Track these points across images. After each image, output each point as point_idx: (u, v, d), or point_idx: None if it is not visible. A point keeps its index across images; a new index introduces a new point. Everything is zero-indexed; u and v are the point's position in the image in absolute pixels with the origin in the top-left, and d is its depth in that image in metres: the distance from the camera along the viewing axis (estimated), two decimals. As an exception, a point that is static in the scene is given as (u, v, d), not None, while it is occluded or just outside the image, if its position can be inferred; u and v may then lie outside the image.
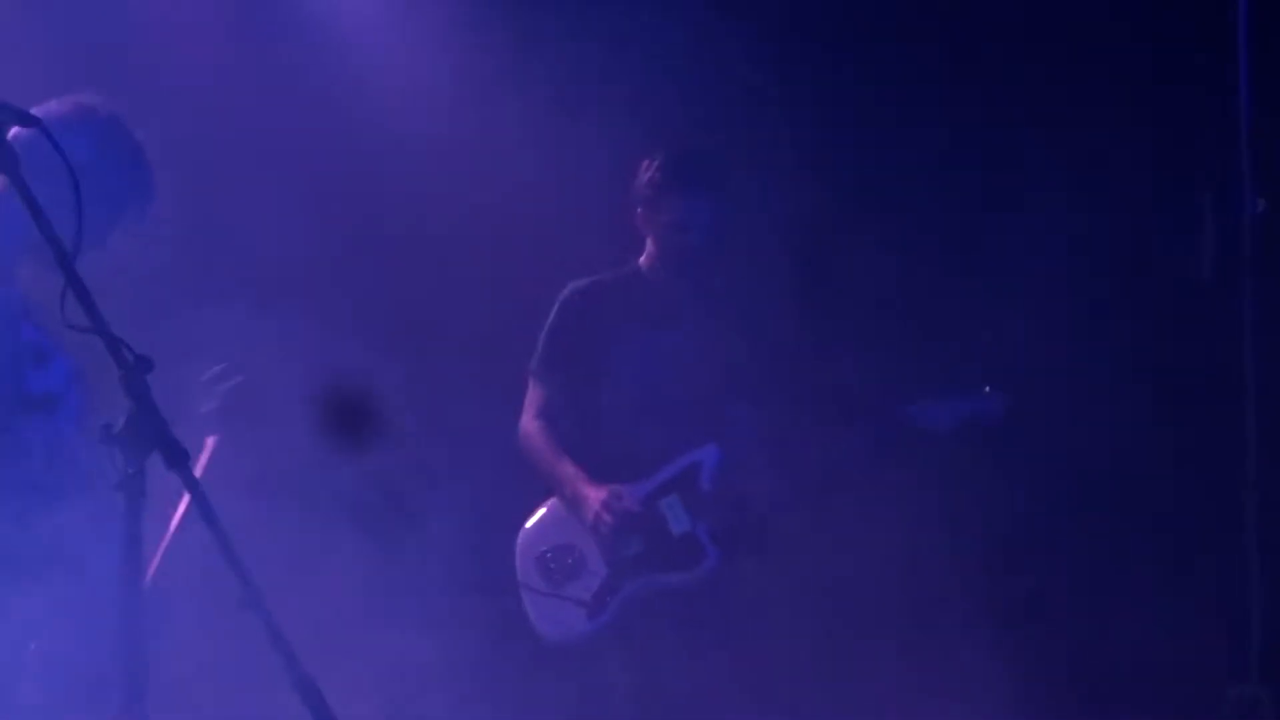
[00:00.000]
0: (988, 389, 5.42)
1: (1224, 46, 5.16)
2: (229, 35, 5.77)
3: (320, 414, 4.35)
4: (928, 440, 5.37)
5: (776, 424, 5.31)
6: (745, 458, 5.30)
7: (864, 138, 6.03)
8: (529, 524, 5.41)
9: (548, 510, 5.41)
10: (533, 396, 5.42)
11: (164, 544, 4.02)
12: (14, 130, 3.14)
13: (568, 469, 5.30)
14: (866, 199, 6.02)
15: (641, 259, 5.47)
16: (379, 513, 5.48)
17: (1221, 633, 5.72)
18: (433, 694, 5.24)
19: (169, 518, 3.89)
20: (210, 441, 4.10)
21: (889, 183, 6.05)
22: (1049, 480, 5.94)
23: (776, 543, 5.33)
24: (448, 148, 5.88)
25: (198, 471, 4.02)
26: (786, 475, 5.27)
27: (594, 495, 5.24)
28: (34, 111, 3.46)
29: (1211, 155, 5.41)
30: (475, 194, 5.84)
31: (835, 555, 5.62)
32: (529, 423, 5.40)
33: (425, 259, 5.89)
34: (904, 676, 5.63)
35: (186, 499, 4.00)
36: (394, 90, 5.88)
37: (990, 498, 5.92)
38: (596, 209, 5.69)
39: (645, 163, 5.40)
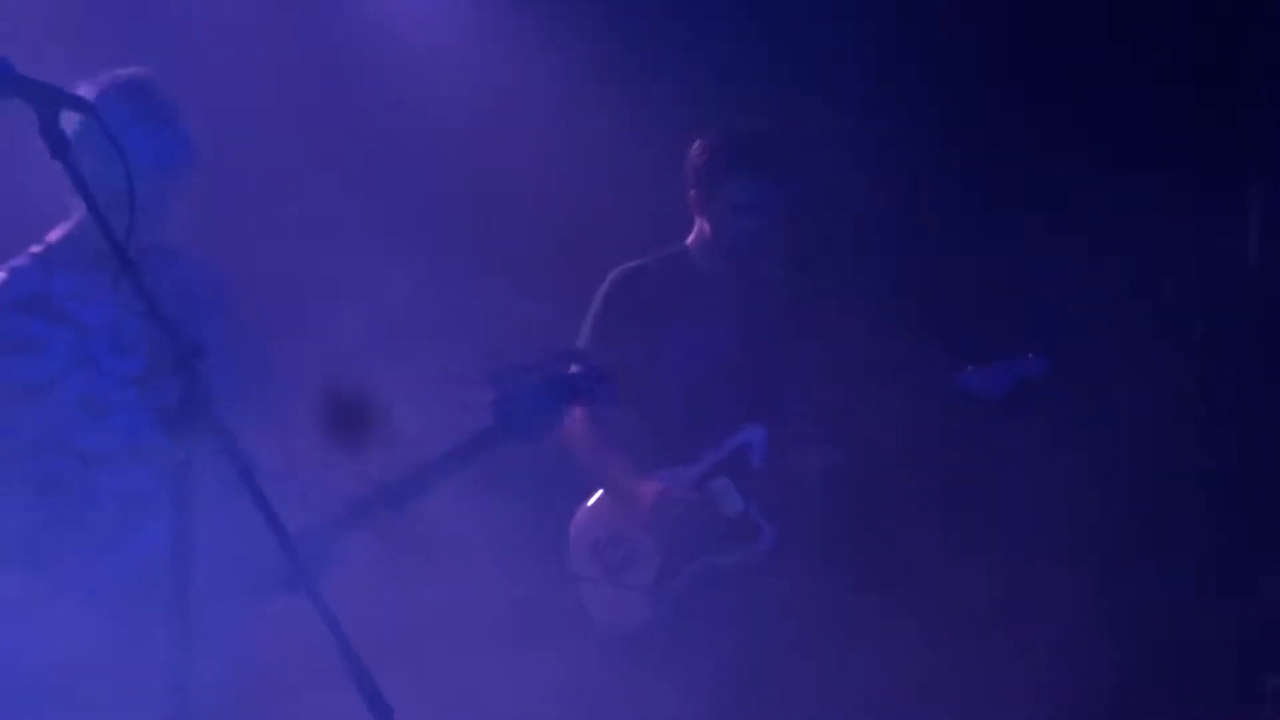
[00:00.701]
0: (1030, 355, 5.39)
1: (1270, 35, 5.15)
2: (277, 31, 5.78)
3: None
4: (978, 408, 5.33)
5: (826, 403, 5.29)
6: (796, 436, 5.28)
7: (909, 129, 6.02)
8: (580, 514, 5.40)
9: (598, 499, 5.38)
10: None
11: None
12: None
13: (614, 461, 5.28)
14: (909, 187, 6.01)
15: (689, 240, 5.42)
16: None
17: (1262, 623, 5.72)
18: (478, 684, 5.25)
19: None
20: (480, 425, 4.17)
21: (930, 172, 6.04)
22: (1087, 474, 5.91)
23: (831, 519, 5.32)
24: (479, 135, 5.88)
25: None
26: (838, 450, 5.26)
27: (647, 490, 5.23)
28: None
29: (1258, 144, 5.41)
30: (511, 180, 5.84)
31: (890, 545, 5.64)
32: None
33: (464, 247, 5.89)
34: (942, 663, 5.62)
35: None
36: (431, 80, 5.88)
37: (1030, 491, 5.91)
38: (636, 194, 5.68)
39: (699, 143, 5.34)
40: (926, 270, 6.02)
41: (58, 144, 3.10)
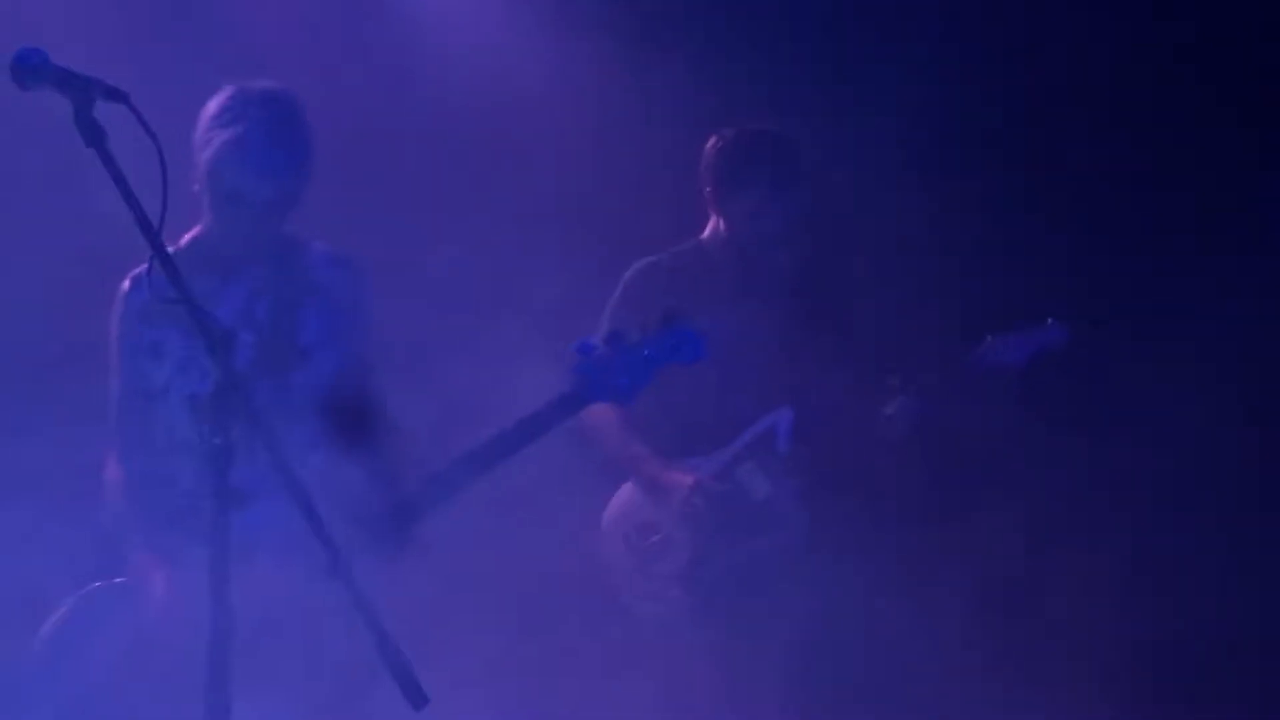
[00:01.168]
0: (1050, 320, 5.39)
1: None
2: (306, 30, 5.78)
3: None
4: (999, 380, 5.33)
5: (849, 386, 5.29)
6: (820, 419, 5.27)
7: (938, 121, 6.02)
8: (611, 505, 5.39)
9: (628, 490, 5.38)
10: None
11: None
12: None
13: (639, 451, 5.28)
14: (937, 177, 6.00)
15: (705, 234, 5.43)
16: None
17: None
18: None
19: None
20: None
21: (958, 162, 6.04)
22: (1135, 468, 5.92)
23: (858, 499, 5.31)
24: (501, 130, 5.88)
25: None
26: (863, 430, 5.26)
27: (675, 479, 5.22)
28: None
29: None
30: (533, 172, 5.84)
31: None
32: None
33: (490, 238, 5.88)
34: (975, 647, 5.60)
35: None
36: (456, 74, 5.87)
37: (1070, 486, 5.91)
38: (660, 187, 5.67)
39: (713, 141, 5.35)
40: (951, 259, 6.00)
41: (91, 133, 3.13)
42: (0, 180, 5.09)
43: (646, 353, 4.12)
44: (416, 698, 2.96)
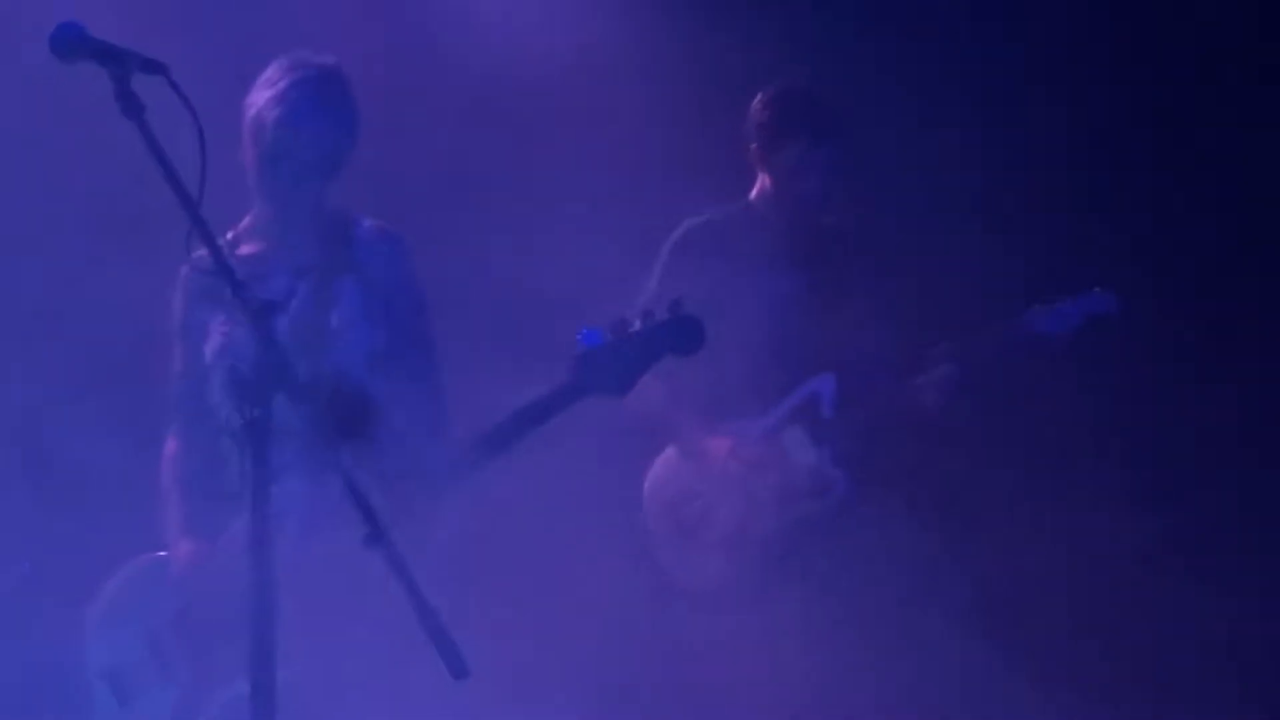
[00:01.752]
0: (1097, 289, 5.36)
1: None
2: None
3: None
4: (1048, 349, 5.31)
5: (895, 351, 5.26)
6: (863, 385, 5.25)
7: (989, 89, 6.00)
8: (652, 472, 5.38)
9: (669, 457, 5.36)
10: None
11: None
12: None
13: (684, 417, 5.26)
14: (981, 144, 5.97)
15: (753, 194, 5.42)
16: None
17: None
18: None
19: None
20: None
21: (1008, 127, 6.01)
22: (1145, 470, 5.92)
23: (904, 467, 5.30)
24: (548, 94, 5.86)
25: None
26: (907, 398, 5.24)
27: (718, 445, 5.22)
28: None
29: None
30: (581, 133, 5.82)
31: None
32: None
33: (523, 205, 5.87)
34: (1013, 613, 5.60)
35: None
36: (496, 39, 5.86)
37: (1087, 485, 5.89)
38: (708, 147, 5.65)
39: (759, 99, 5.35)
40: (999, 218, 5.97)
41: (130, 105, 3.14)
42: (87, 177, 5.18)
43: (645, 345, 4.13)
44: (458, 668, 2.96)
